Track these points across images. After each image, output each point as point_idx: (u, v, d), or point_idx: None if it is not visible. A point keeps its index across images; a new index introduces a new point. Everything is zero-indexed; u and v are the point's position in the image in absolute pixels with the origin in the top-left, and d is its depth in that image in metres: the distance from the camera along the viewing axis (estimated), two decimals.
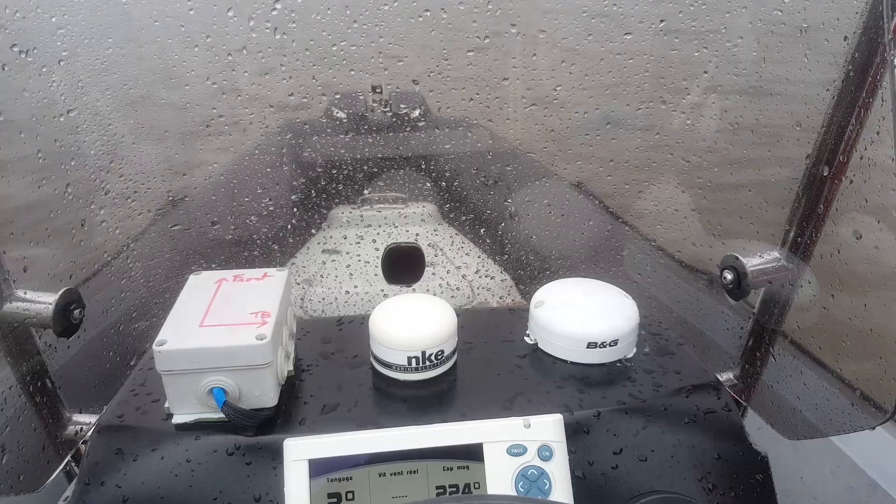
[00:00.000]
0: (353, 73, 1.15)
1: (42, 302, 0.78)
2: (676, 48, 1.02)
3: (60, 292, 0.79)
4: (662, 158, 1.16)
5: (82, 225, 0.99)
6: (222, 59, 1.06)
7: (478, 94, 1.19)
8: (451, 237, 1.87)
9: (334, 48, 1.07)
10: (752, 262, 0.92)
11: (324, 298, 1.53)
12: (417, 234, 1.76)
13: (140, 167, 1.15)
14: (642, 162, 1.19)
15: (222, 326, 0.76)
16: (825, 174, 0.84)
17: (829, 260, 0.86)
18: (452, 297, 1.62)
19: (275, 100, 1.21)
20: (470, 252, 1.82)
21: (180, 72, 1.10)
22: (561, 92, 1.10)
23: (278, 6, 1.06)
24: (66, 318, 0.79)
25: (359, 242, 1.65)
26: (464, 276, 1.69)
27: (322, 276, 1.57)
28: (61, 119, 0.94)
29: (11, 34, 0.87)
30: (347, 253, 1.65)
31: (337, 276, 1.56)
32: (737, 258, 0.91)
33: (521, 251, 1.67)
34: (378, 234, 1.72)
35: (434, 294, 0.95)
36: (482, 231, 1.80)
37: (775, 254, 0.94)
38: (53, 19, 0.95)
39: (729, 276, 0.93)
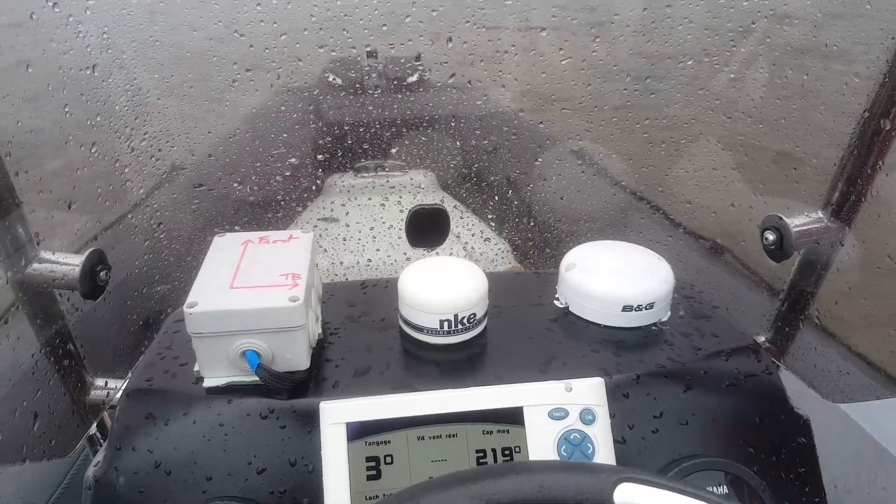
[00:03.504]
0: (385, 27, 1.09)
1: (69, 263, 0.76)
2: None
3: (87, 253, 0.77)
4: (702, 115, 1.11)
5: (108, 185, 0.96)
6: (251, 8, 1.01)
7: (513, 45, 1.14)
8: (447, 196, 1.84)
9: None
10: (795, 223, 0.89)
11: (342, 262, 1.51)
12: (413, 191, 1.73)
13: (165, 125, 1.12)
14: (681, 119, 1.14)
15: (253, 288, 0.75)
16: (887, 128, 0.80)
17: (886, 219, 0.82)
18: None
19: (303, 53, 1.16)
20: (465, 210, 1.79)
21: (207, 23, 1.05)
22: (600, 44, 1.06)
23: None
24: (92, 280, 0.77)
25: (383, 205, 1.62)
26: (458, 236, 1.66)
27: (345, 240, 1.54)
28: (88, 72, 0.90)
29: None
30: (347, 225, 1.63)
31: (360, 241, 1.53)
32: (780, 218, 0.89)
33: (532, 217, 1.64)
34: (391, 193, 1.69)
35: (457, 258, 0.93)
36: (484, 198, 1.76)
37: (818, 214, 0.91)
38: None
39: (771, 236, 0.90)
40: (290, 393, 0.74)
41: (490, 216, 1.78)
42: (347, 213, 1.65)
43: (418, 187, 1.78)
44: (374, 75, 1.89)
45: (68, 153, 0.87)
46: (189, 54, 1.11)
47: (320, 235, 1.59)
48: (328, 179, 1.84)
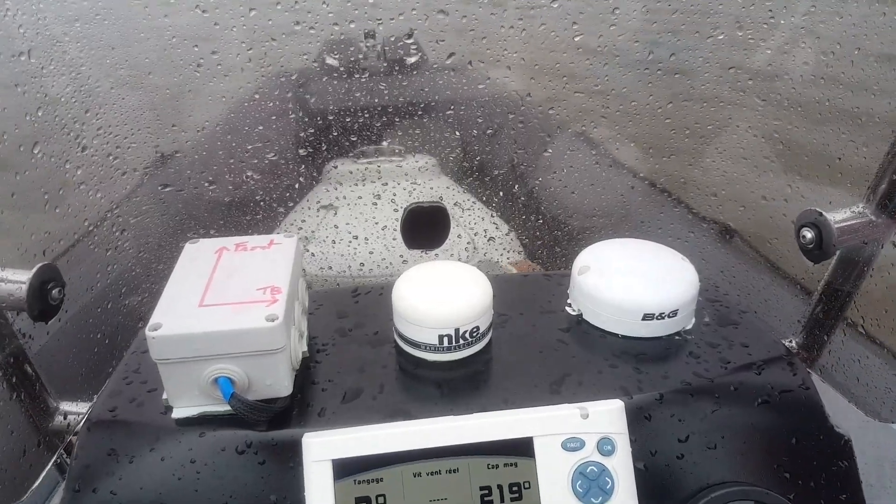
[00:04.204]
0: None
1: (13, 281, 0.68)
2: None
3: (35, 269, 0.69)
4: (733, 98, 1.00)
5: (57, 189, 0.86)
6: None
7: (520, 20, 1.02)
8: (451, 191, 1.74)
9: None
10: (836, 219, 0.79)
11: (331, 266, 1.42)
12: (416, 187, 1.64)
13: (122, 118, 1.01)
14: (709, 102, 1.03)
15: (226, 305, 0.67)
16: None
17: None
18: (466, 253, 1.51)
19: (277, 31, 1.03)
20: (468, 206, 1.70)
21: None
22: (620, 17, 0.94)
23: None
24: (42, 299, 0.69)
25: (375, 203, 1.52)
26: (460, 236, 1.57)
27: (335, 242, 1.44)
28: (22, 59, 0.79)
29: None
30: (336, 226, 1.53)
31: (351, 242, 1.44)
32: (820, 214, 0.79)
33: (540, 213, 1.54)
34: (383, 190, 1.60)
35: (459, 260, 0.83)
36: (487, 193, 1.67)
37: (861, 209, 0.81)
38: None
39: (808, 234, 0.81)
40: (270, 423, 0.67)
41: (494, 212, 1.68)
42: (335, 214, 1.55)
43: (415, 182, 1.68)
44: (371, 58, 1.78)
45: (4, 154, 0.76)
46: (143, 35, 0.99)
47: (311, 232, 1.50)
48: (326, 166, 1.75)
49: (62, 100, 0.91)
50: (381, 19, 1.23)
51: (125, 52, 1.02)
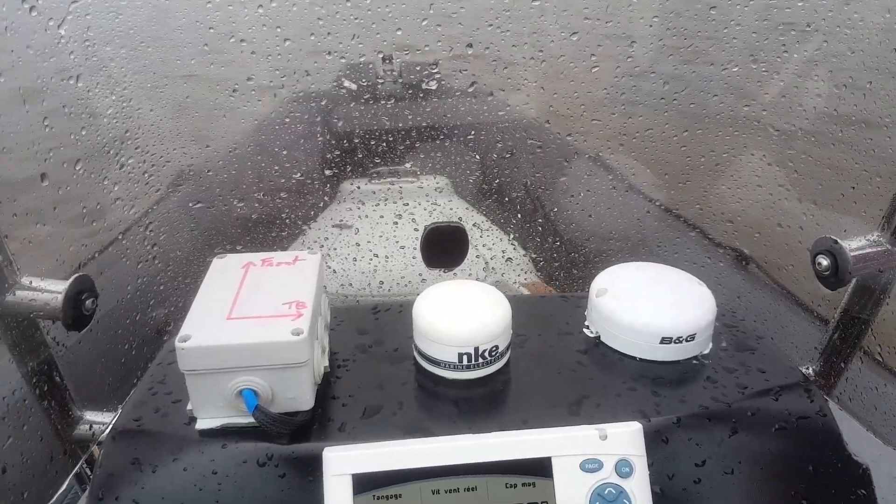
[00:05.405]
0: (399, 31, 1.01)
1: (50, 291, 0.69)
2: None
3: (71, 279, 0.70)
4: (748, 127, 1.02)
5: (95, 204, 0.89)
6: (252, 12, 0.93)
7: (540, 52, 1.05)
8: (470, 212, 1.76)
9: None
10: (851, 246, 0.79)
11: (351, 283, 1.43)
12: (428, 208, 1.65)
13: (158, 138, 1.05)
14: (724, 130, 1.05)
15: (253, 319, 0.68)
16: None
17: None
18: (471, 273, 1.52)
19: (309, 60, 1.08)
20: (486, 228, 1.71)
21: (203, 28, 0.97)
22: (637, 49, 0.96)
23: None
24: (77, 309, 0.70)
25: (396, 223, 1.54)
26: (478, 256, 1.58)
27: (356, 260, 1.46)
28: (70, 82, 0.83)
29: None
30: (357, 244, 1.55)
31: (371, 260, 1.45)
32: (835, 241, 0.79)
33: (558, 236, 1.55)
34: (404, 210, 1.61)
35: (476, 279, 0.84)
36: (506, 215, 1.68)
37: (877, 237, 0.81)
38: None
39: (824, 261, 0.81)
40: (291, 437, 0.67)
41: (512, 234, 1.69)
42: (357, 232, 1.57)
43: (434, 203, 1.70)
44: (388, 81, 1.83)
45: (49, 170, 0.79)
46: (182, 61, 1.03)
47: (332, 249, 1.51)
48: (342, 185, 1.78)
49: (105, 121, 0.95)
50: (407, 51, 1.27)
51: (165, 77, 1.07)
